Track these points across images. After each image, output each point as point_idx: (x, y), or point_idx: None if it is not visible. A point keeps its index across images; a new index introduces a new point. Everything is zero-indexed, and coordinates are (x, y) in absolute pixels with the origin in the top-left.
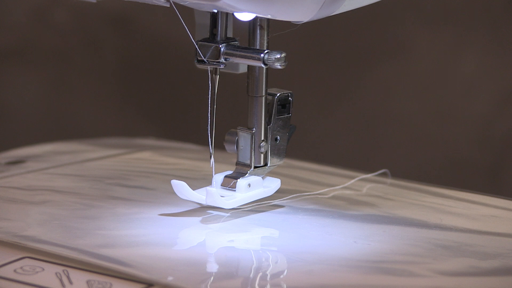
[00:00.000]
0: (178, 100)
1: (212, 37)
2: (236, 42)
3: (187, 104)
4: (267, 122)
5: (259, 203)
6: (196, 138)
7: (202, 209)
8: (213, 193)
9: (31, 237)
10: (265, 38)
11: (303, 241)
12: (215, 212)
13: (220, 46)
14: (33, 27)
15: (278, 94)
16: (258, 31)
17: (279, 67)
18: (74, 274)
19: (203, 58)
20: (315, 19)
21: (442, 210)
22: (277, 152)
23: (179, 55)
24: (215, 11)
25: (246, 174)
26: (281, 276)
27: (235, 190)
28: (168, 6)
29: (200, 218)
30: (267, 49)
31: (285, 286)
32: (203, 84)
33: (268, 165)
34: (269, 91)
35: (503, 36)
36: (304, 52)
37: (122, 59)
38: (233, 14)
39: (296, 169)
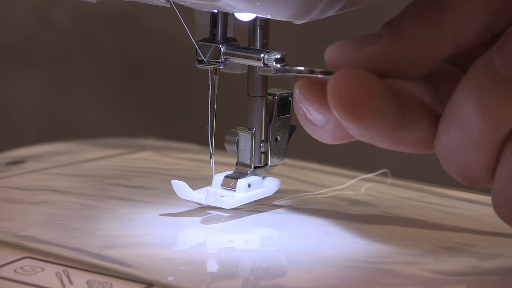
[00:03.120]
0: (178, 100)
1: (212, 37)
2: (236, 42)
3: (187, 104)
4: (267, 122)
5: (259, 203)
6: (196, 138)
7: (202, 209)
8: (213, 193)
9: (31, 237)
10: (266, 38)
11: (303, 241)
12: (215, 212)
13: (220, 46)
14: (33, 27)
15: (278, 94)
16: (258, 31)
17: (279, 67)
18: (74, 274)
19: (203, 58)
20: (315, 19)
21: (442, 210)
22: (277, 152)
23: (179, 55)
24: (215, 11)
25: (246, 174)
26: (281, 276)
27: (235, 190)
28: (168, 6)
29: (200, 218)
30: (267, 49)
31: (285, 286)
32: (203, 84)
33: (268, 165)
34: (269, 91)
35: None
36: (304, 52)
37: (122, 59)
38: (233, 14)
39: (296, 169)
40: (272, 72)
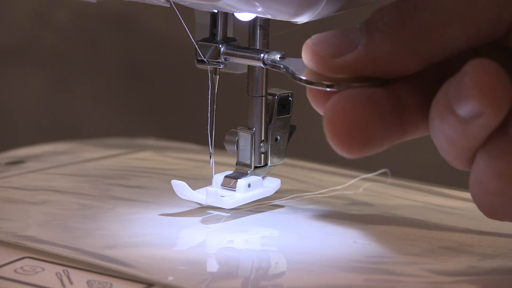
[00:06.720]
0: (178, 100)
1: (212, 37)
2: (236, 42)
3: (187, 104)
4: (267, 122)
5: (259, 203)
6: (196, 138)
7: (202, 209)
8: (213, 193)
9: (31, 237)
10: (266, 38)
11: (303, 241)
12: (215, 212)
13: (220, 46)
14: (33, 27)
15: (278, 94)
16: (258, 31)
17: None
18: (74, 274)
19: (203, 58)
20: (315, 19)
21: (442, 210)
22: (277, 152)
23: (179, 55)
24: (215, 11)
25: (246, 174)
26: (281, 276)
27: (235, 190)
28: (168, 6)
29: (200, 218)
30: (267, 49)
31: (285, 286)
32: (203, 84)
33: (268, 165)
34: (269, 91)
35: None
36: None
37: (122, 59)
38: (233, 14)
39: (296, 169)
40: (282, 70)
